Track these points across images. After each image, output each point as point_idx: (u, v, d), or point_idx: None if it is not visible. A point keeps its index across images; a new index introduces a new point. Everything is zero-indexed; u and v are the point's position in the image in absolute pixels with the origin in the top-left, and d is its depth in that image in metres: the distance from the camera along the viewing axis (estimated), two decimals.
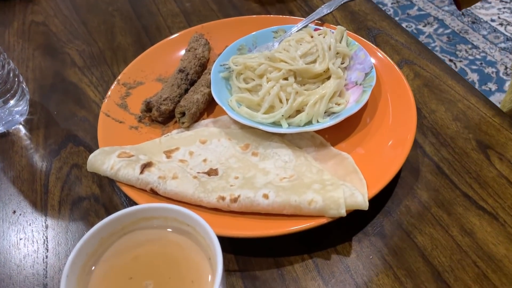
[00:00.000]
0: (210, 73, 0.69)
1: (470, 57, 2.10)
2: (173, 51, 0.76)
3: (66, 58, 0.83)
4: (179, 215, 0.42)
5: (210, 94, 0.67)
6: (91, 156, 0.57)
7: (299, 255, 0.53)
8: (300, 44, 0.69)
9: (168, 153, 0.61)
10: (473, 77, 1.99)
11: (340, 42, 0.71)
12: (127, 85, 0.71)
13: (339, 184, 0.53)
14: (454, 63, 2.06)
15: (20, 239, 0.57)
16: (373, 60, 0.69)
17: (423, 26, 2.28)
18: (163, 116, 0.66)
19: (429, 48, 2.13)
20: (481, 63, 2.06)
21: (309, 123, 0.62)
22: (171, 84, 0.69)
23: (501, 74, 1.99)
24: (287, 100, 0.62)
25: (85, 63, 0.82)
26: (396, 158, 0.57)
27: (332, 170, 0.58)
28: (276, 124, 0.62)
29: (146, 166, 0.56)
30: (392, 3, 2.45)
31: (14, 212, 0.60)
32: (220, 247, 0.38)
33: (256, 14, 0.89)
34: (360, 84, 0.66)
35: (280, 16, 0.80)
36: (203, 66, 0.73)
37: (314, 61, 0.67)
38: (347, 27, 0.84)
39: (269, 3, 0.91)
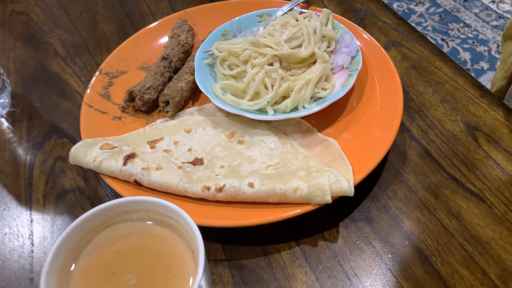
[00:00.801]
0: (193, 60, 0.68)
1: (462, 36, 2.08)
2: (156, 38, 0.75)
3: (48, 48, 0.82)
4: (160, 207, 0.41)
5: (194, 82, 0.66)
6: (73, 148, 0.57)
7: (286, 243, 0.53)
8: (285, 28, 0.68)
9: (152, 143, 0.60)
10: (465, 56, 1.98)
11: (326, 25, 0.69)
12: (110, 74, 0.70)
13: (325, 171, 0.52)
14: (446, 42, 2.05)
15: (5, 234, 0.56)
16: (359, 43, 0.68)
17: (415, 6, 2.26)
18: (146, 106, 0.65)
19: (421, 27, 2.12)
20: (473, 42, 2.05)
21: (295, 109, 0.62)
22: (154, 72, 0.67)
23: (493, 53, 1.98)
24: (272, 86, 0.61)
25: (67, 53, 0.80)
26: (382, 142, 0.56)
27: (319, 156, 0.57)
28: (262, 111, 0.62)
29: (129, 157, 0.55)
30: None
31: None
32: (203, 240, 0.38)
33: None
34: (346, 68, 0.65)
35: None
36: (186, 53, 0.72)
37: (300, 46, 0.66)
38: (334, 10, 0.83)
39: None
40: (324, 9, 0.70)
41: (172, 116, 0.65)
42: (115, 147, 0.56)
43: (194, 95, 0.68)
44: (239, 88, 0.63)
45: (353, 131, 0.60)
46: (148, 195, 0.53)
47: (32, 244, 0.55)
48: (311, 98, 0.62)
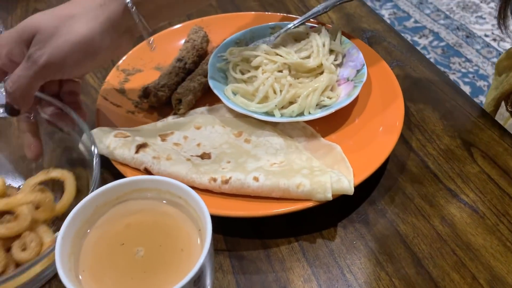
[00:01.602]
0: (207, 64, 0.71)
1: (463, 70, 2.14)
2: (172, 42, 0.78)
3: None
4: (172, 187, 0.44)
5: (206, 83, 0.69)
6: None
7: (285, 238, 0.55)
8: (295, 40, 0.72)
9: (163, 137, 0.63)
10: (466, 89, 2.03)
11: (334, 40, 0.73)
12: (126, 71, 0.73)
13: (327, 170, 0.55)
14: (447, 75, 2.10)
15: None
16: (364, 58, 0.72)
17: (419, 38, 2.33)
18: (159, 102, 0.68)
19: None
20: (473, 76, 2.10)
21: (301, 114, 0.65)
22: (169, 72, 0.71)
23: None
24: (280, 91, 0.65)
25: None
26: (382, 150, 0.59)
27: (321, 159, 0.60)
28: (269, 114, 0.65)
29: (141, 146, 0.58)
30: (389, 14, 2.50)
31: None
32: (210, 218, 0.40)
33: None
34: (351, 80, 0.69)
35: (278, 14, 0.83)
36: (200, 57, 0.75)
37: (308, 57, 0.69)
38: (342, 28, 0.87)
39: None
40: (334, 25, 0.75)
41: (183, 114, 0.68)
42: (128, 136, 0.59)
43: (205, 96, 0.71)
44: (249, 91, 0.66)
45: (355, 138, 0.63)
46: None
47: None
48: (316, 105, 0.65)
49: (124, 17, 0.54)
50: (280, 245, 0.54)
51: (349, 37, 0.76)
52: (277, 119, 0.63)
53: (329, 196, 0.52)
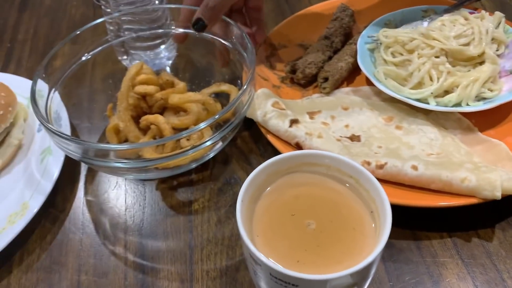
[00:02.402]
0: (355, 43, 0.69)
1: None
2: (316, 19, 0.77)
3: None
4: (343, 165, 0.43)
5: (353, 64, 0.68)
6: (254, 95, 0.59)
7: (437, 232, 0.52)
8: (454, 25, 0.67)
9: (311, 114, 0.62)
10: None
11: (496, 28, 0.68)
12: (272, 46, 0.73)
13: (495, 168, 0.51)
14: None
15: None
16: None
17: None
18: (305, 79, 0.68)
19: None
20: None
21: (458, 105, 0.61)
22: (316, 49, 0.70)
23: None
24: (438, 78, 0.61)
25: None
26: None
27: (481, 155, 0.56)
28: (422, 101, 0.61)
29: (294, 121, 0.58)
30: None
31: None
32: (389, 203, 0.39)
33: None
34: None
35: None
36: (347, 36, 0.74)
37: (468, 44, 0.65)
38: None
39: None
40: (497, 12, 0.69)
41: (328, 93, 0.67)
42: (283, 109, 0.59)
43: (349, 77, 0.69)
44: (401, 76, 0.63)
45: None
46: None
47: None
48: (475, 97, 0.61)
49: None
50: (431, 238, 0.52)
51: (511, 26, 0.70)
52: (433, 107, 0.60)
53: (498, 195, 0.49)
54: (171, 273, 0.51)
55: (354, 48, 0.69)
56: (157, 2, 0.73)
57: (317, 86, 0.68)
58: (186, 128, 0.59)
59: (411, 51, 0.65)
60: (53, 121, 0.58)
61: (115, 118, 0.61)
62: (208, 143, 0.53)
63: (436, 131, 0.59)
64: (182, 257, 0.52)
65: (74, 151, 0.53)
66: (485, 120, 0.61)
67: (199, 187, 0.59)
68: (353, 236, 0.40)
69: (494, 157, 0.55)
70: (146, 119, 0.59)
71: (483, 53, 0.63)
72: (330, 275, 0.35)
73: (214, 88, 0.65)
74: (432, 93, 0.60)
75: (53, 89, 0.61)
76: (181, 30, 0.69)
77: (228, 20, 0.63)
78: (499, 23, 0.68)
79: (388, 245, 0.51)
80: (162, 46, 0.76)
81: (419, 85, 0.62)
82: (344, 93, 0.67)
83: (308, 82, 0.69)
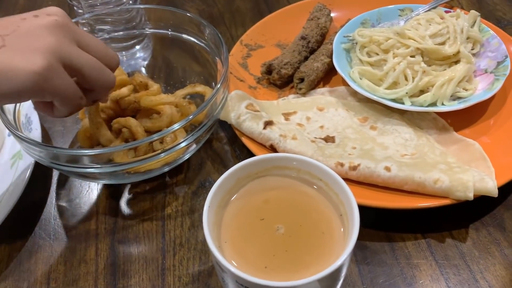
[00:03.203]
0: (331, 43, 0.69)
1: None
2: (293, 19, 0.77)
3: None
4: (313, 168, 0.43)
5: (329, 64, 0.67)
6: (228, 97, 0.59)
7: (411, 233, 0.52)
8: (430, 24, 0.67)
9: (286, 116, 0.62)
10: None
11: (472, 27, 0.68)
12: (249, 46, 0.72)
13: (467, 168, 0.51)
14: None
15: None
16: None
17: None
18: (281, 80, 0.67)
19: None
20: None
21: (433, 105, 0.61)
22: (292, 50, 0.69)
23: None
24: (413, 78, 0.61)
25: None
26: None
27: (456, 155, 0.56)
28: (397, 101, 0.61)
29: (268, 123, 0.57)
30: None
31: None
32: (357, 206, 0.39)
33: None
34: (491, 73, 0.63)
35: None
36: (323, 36, 0.73)
37: (443, 43, 0.64)
38: None
39: None
40: (472, 11, 0.69)
41: (304, 94, 0.66)
42: (258, 111, 0.59)
43: (326, 77, 0.69)
44: (377, 76, 0.63)
45: (493, 136, 0.58)
46: None
47: None
48: (451, 96, 0.61)
49: None
50: (405, 240, 0.52)
51: (487, 25, 0.70)
52: (408, 107, 0.59)
53: (470, 196, 0.48)
54: (143, 279, 0.50)
55: (330, 48, 0.68)
56: (131, 1, 0.71)
57: (294, 87, 0.67)
58: (160, 131, 0.58)
59: (386, 51, 0.64)
60: (23, 126, 0.57)
61: (87, 121, 0.60)
62: (182, 145, 0.53)
63: (411, 131, 0.59)
64: (154, 263, 0.51)
65: (43, 157, 0.51)
66: (460, 120, 0.61)
67: (173, 190, 0.58)
68: (322, 240, 0.39)
69: (469, 157, 0.55)
70: (118, 121, 0.58)
71: (458, 52, 0.63)
72: (297, 281, 0.35)
73: (188, 89, 0.64)
74: (407, 93, 0.60)
75: None
76: None
77: (202, 20, 0.62)
78: (475, 22, 0.68)
79: (361, 247, 0.51)
80: (137, 47, 0.75)
81: (394, 85, 0.62)
82: (320, 94, 0.66)
83: (284, 83, 0.68)
